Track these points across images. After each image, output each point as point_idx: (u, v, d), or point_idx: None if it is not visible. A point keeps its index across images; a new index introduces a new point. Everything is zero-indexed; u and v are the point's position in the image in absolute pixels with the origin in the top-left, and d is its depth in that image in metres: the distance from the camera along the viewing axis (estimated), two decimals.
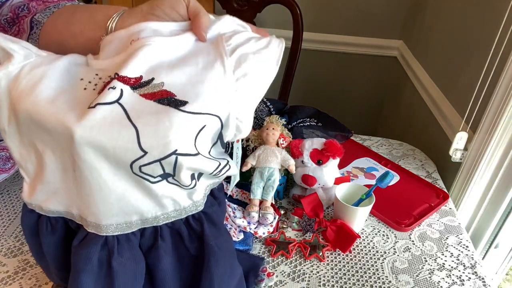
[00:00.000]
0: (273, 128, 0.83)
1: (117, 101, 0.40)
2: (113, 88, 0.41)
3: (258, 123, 0.91)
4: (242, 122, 0.47)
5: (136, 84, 0.42)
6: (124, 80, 0.42)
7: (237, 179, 0.58)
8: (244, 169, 0.82)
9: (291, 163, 0.82)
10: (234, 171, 0.52)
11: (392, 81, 1.76)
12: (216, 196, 0.52)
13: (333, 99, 1.89)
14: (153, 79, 0.43)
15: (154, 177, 0.43)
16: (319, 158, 0.82)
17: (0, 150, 0.79)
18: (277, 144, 0.84)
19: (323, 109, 0.93)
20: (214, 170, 0.47)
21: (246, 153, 0.87)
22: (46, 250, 0.48)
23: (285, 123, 0.88)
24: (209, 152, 0.46)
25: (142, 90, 0.42)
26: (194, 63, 0.44)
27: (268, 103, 0.92)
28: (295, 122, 0.91)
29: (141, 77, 0.42)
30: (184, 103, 0.42)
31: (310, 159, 0.83)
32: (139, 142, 0.40)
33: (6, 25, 0.64)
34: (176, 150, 0.41)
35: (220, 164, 0.47)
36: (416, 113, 1.40)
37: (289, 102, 0.99)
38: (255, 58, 0.46)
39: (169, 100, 0.42)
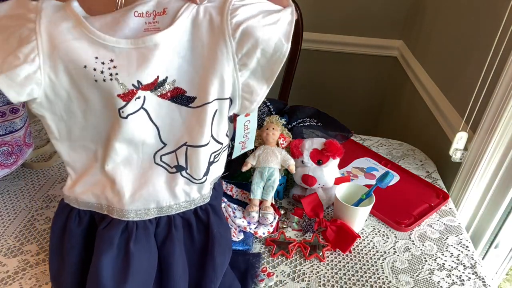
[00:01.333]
0: (273, 128, 0.83)
1: (141, 107, 0.49)
2: (139, 98, 0.48)
3: (258, 123, 0.91)
4: (251, 95, 0.52)
5: (154, 86, 0.48)
6: (145, 87, 0.48)
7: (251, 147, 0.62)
8: (244, 169, 0.82)
9: (291, 163, 0.82)
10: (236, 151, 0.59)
11: (392, 81, 1.76)
12: (216, 189, 0.59)
13: (333, 99, 1.89)
14: (167, 78, 0.48)
15: (171, 167, 0.52)
16: (319, 158, 0.82)
17: (2, 145, 0.79)
18: (277, 144, 0.84)
19: (323, 109, 0.93)
20: (216, 151, 0.54)
21: (246, 153, 0.87)
22: (69, 245, 0.53)
23: (285, 123, 0.88)
24: (226, 133, 0.54)
25: (159, 91, 0.49)
26: (200, 51, 0.48)
27: (268, 103, 0.92)
28: (295, 122, 0.91)
29: (157, 78, 0.48)
30: (193, 99, 0.49)
31: (310, 159, 0.82)
32: (159, 136, 0.50)
33: None
34: (186, 142, 0.51)
35: (222, 144, 0.54)
36: (416, 113, 1.40)
37: (289, 102, 0.99)
38: (260, 36, 0.48)
39: (181, 98, 0.49)
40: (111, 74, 0.47)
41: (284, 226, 0.82)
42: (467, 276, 0.72)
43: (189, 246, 0.55)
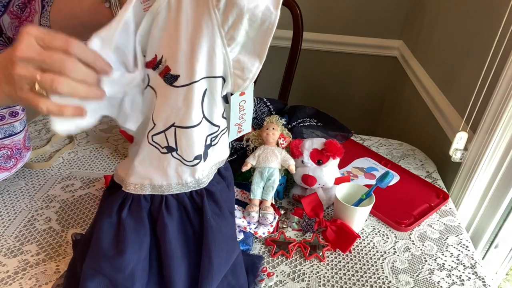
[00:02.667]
0: (273, 128, 0.83)
1: (148, 84, 0.50)
2: (147, 74, 0.49)
3: (258, 123, 0.91)
4: (243, 72, 0.50)
5: (154, 65, 0.49)
6: (147, 65, 0.49)
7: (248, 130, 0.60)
8: (244, 169, 0.82)
9: (291, 163, 0.82)
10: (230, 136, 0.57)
11: (392, 81, 1.76)
12: (223, 175, 0.58)
13: (333, 99, 1.89)
14: (162, 57, 0.48)
15: (162, 147, 0.52)
16: (319, 158, 0.82)
17: (1, 148, 0.79)
18: (277, 144, 0.84)
19: (323, 109, 0.93)
20: (212, 133, 0.53)
21: (246, 153, 0.87)
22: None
23: (285, 123, 0.88)
24: (222, 115, 0.53)
25: (158, 70, 0.49)
26: (185, 26, 0.46)
27: (268, 103, 0.92)
28: (295, 122, 0.91)
29: (156, 57, 0.48)
30: (176, 77, 0.48)
31: (310, 159, 0.83)
32: (152, 115, 0.51)
33: (19, 11, 0.66)
34: (174, 123, 0.50)
35: (219, 127, 0.53)
36: (416, 113, 1.40)
37: (289, 102, 1.00)
38: (246, 5, 0.45)
39: (167, 77, 0.48)
40: None
41: (284, 226, 0.82)
42: (467, 276, 0.72)
43: (186, 230, 0.56)
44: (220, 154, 0.57)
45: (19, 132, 0.82)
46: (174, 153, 0.52)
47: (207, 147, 0.53)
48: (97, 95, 0.47)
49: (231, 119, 0.55)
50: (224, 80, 0.50)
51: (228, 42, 0.47)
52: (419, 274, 0.73)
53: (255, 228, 0.78)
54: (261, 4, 0.45)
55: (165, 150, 0.52)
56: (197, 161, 0.53)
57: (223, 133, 0.55)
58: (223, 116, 0.54)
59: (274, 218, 0.80)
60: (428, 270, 0.74)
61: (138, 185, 0.53)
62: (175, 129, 0.50)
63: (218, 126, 0.53)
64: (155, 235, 0.55)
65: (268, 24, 0.47)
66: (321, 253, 0.75)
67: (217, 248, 0.55)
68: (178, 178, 0.53)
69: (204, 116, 0.51)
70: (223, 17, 0.45)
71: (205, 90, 0.50)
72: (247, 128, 0.57)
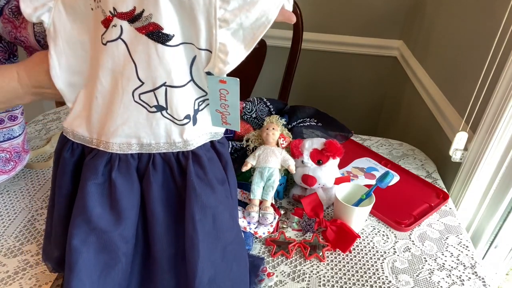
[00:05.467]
0: (273, 128, 0.83)
1: (119, 37, 0.49)
2: (115, 26, 0.48)
3: (258, 123, 0.91)
4: (227, 54, 0.49)
5: (131, 17, 0.48)
6: (122, 16, 0.48)
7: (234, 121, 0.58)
8: (244, 169, 0.82)
9: (291, 163, 0.82)
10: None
11: (392, 81, 1.76)
12: (219, 151, 0.58)
13: (333, 99, 1.89)
14: (143, 11, 0.47)
15: (150, 107, 0.52)
16: (319, 158, 0.82)
17: (0, 151, 0.79)
18: (277, 144, 0.84)
19: (323, 109, 0.93)
20: (200, 97, 0.54)
21: (246, 153, 0.87)
22: (62, 173, 0.57)
23: (285, 123, 0.88)
24: (207, 86, 0.53)
25: (136, 24, 0.48)
26: None
27: (268, 103, 0.92)
28: (295, 122, 0.91)
29: (134, 8, 0.47)
30: (170, 37, 0.48)
31: (310, 159, 0.83)
32: (137, 73, 0.50)
33: (12, 16, 0.65)
34: (165, 82, 0.50)
35: (206, 94, 0.54)
36: (416, 113, 1.40)
37: (289, 102, 0.99)
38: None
39: (157, 34, 0.48)
40: (97, 1, 0.49)
41: (284, 226, 0.82)
42: (467, 276, 0.73)
43: (170, 190, 0.56)
44: (210, 123, 0.57)
45: (18, 136, 0.82)
46: (164, 112, 0.52)
47: (196, 111, 0.54)
48: None
49: (210, 103, 0.55)
50: (209, 53, 0.51)
51: (220, 24, 0.48)
52: (419, 274, 0.73)
53: (255, 228, 0.78)
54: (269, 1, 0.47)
55: (154, 109, 0.52)
56: (187, 120, 0.53)
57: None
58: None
59: (274, 218, 0.80)
60: (428, 270, 0.74)
61: (124, 145, 0.54)
62: (166, 88, 0.51)
63: (205, 93, 0.54)
64: (142, 197, 0.56)
65: (264, 20, 0.48)
66: (321, 253, 0.75)
67: (200, 212, 0.54)
68: (167, 137, 0.54)
69: (192, 79, 0.52)
70: (223, 2, 0.46)
71: (195, 56, 0.51)
72: (234, 123, 0.56)
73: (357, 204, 0.79)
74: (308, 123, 0.91)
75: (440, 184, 0.98)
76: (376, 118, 1.92)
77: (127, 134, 0.53)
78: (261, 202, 0.80)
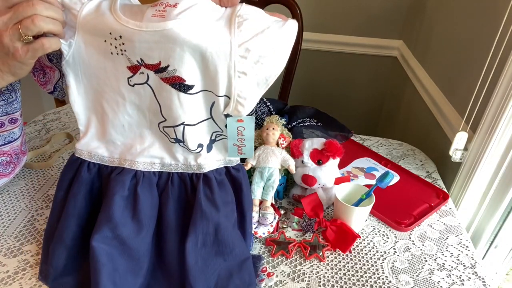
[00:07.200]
0: (273, 128, 0.83)
1: (146, 82, 0.58)
2: (142, 73, 0.57)
3: (258, 123, 0.91)
4: (245, 99, 0.58)
5: (157, 69, 0.56)
6: (148, 67, 0.56)
7: (249, 155, 0.66)
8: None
9: (291, 163, 0.82)
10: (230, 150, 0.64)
11: (392, 81, 1.76)
12: (234, 176, 0.65)
13: (333, 99, 1.89)
14: (168, 66, 0.55)
15: (170, 138, 0.62)
16: (319, 158, 0.82)
17: (1, 155, 0.79)
18: (277, 144, 0.84)
19: (323, 109, 0.93)
20: (217, 132, 0.63)
21: None
22: (77, 191, 0.62)
23: (285, 123, 0.88)
24: (225, 125, 0.61)
25: (161, 75, 0.56)
26: (204, 48, 0.54)
27: (268, 103, 0.92)
28: (295, 122, 0.91)
29: (160, 63, 0.55)
30: (191, 87, 0.57)
31: (310, 159, 0.83)
32: (161, 111, 0.60)
33: None
34: (184, 122, 0.59)
35: (224, 131, 0.62)
36: (416, 113, 1.40)
37: (289, 102, 0.99)
38: (264, 39, 0.55)
39: (180, 85, 0.57)
40: (121, 50, 0.56)
41: (284, 226, 0.82)
42: (467, 276, 0.73)
43: (184, 204, 0.63)
44: (224, 152, 0.64)
45: (17, 138, 0.82)
46: (180, 143, 0.61)
47: (212, 141, 0.63)
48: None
49: (228, 139, 0.62)
50: (228, 99, 0.58)
51: (239, 75, 0.56)
52: (419, 274, 0.73)
53: (255, 228, 0.78)
54: (278, 41, 0.55)
55: (173, 141, 0.62)
56: (200, 149, 0.62)
57: (226, 138, 0.63)
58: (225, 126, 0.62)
59: (274, 218, 0.80)
60: (428, 270, 0.74)
61: (148, 164, 0.63)
62: (183, 126, 0.60)
63: (221, 129, 0.62)
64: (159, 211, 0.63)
65: (275, 69, 0.57)
66: (321, 253, 0.75)
67: (203, 225, 0.61)
68: (184, 160, 0.63)
69: (211, 117, 0.61)
70: (241, 58, 0.54)
71: (213, 102, 0.59)
72: (249, 153, 0.64)
73: (357, 204, 0.79)
74: (308, 123, 0.91)
75: (440, 184, 0.98)
76: (376, 118, 1.92)
77: (152, 155, 0.62)
78: (261, 202, 0.80)
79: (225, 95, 0.58)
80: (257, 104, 0.92)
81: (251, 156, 0.65)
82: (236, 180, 0.65)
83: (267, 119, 0.86)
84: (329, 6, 1.65)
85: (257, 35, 0.54)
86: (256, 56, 0.54)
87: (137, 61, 0.56)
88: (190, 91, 0.57)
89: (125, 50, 0.56)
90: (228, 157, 0.65)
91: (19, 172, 0.93)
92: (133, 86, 0.58)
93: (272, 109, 0.92)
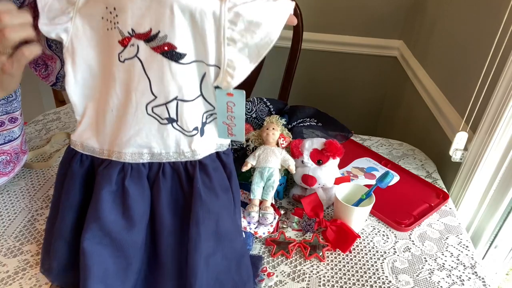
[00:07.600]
0: (273, 128, 0.83)
1: (136, 55, 0.54)
2: (132, 45, 0.54)
3: (258, 123, 0.91)
4: (235, 69, 0.55)
5: (147, 37, 0.53)
6: (139, 36, 0.53)
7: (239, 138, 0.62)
8: (244, 169, 0.82)
9: (291, 163, 0.82)
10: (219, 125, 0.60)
11: (392, 81, 1.76)
12: (224, 162, 0.61)
13: (333, 99, 1.89)
14: (158, 32, 0.52)
15: (162, 119, 0.56)
16: (319, 158, 0.82)
17: (1, 154, 0.79)
18: (277, 144, 0.84)
19: (323, 109, 0.93)
20: (208, 111, 0.59)
21: (246, 153, 0.87)
22: (71, 184, 0.60)
23: (285, 123, 0.88)
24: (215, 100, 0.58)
25: (151, 43, 0.53)
26: (193, 9, 0.51)
27: (268, 103, 0.92)
28: (295, 122, 0.91)
29: (150, 30, 0.53)
30: (183, 55, 0.54)
31: (310, 159, 0.83)
32: (151, 89, 0.55)
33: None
34: (176, 97, 0.55)
35: (214, 108, 0.58)
36: (416, 113, 1.40)
37: (289, 102, 0.99)
38: (255, 6, 0.52)
39: (171, 53, 0.53)
40: (114, 24, 0.53)
41: (284, 226, 0.82)
42: (467, 276, 0.73)
43: (178, 198, 0.60)
44: (216, 135, 0.61)
45: (17, 137, 0.82)
46: (174, 124, 0.57)
47: (203, 124, 0.59)
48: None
49: (218, 116, 0.59)
50: (218, 69, 0.55)
51: (228, 42, 0.53)
52: (419, 274, 0.73)
53: (255, 228, 0.78)
54: (272, 24, 0.53)
55: (165, 121, 0.57)
56: (195, 132, 0.58)
57: (216, 117, 0.60)
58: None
59: (274, 218, 0.80)
60: (428, 270, 0.74)
61: (136, 154, 0.58)
62: (177, 102, 0.56)
63: (213, 107, 0.58)
64: (151, 205, 0.59)
65: (268, 40, 0.54)
66: (321, 253, 0.75)
67: (204, 217, 0.57)
68: (176, 147, 0.58)
69: (201, 94, 0.57)
70: (231, 23, 0.52)
71: (204, 73, 0.55)
72: (239, 134, 0.60)
73: (357, 204, 0.79)
74: (308, 123, 0.91)
75: (440, 184, 0.98)
76: (376, 118, 1.92)
77: (139, 144, 0.57)
78: (261, 202, 0.80)
79: (215, 65, 0.55)
80: (257, 104, 0.92)
81: (242, 139, 0.61)
82: (227, 166, 0.62)
83: (267, 119, 0.86)
84: (329, 6, 1.65)
85: (249, 1, 0.52)
86: (246, 22, 0.52)
87: (128, 32, 0.54)
88: (182, 60, 0.54)
89: (117, 23, 0.54)
90: (218, 139, 0.61)
91: (19, 172, 0.93)
92: (123, 61, 0.55)
93: (272, 109, 0.92)
